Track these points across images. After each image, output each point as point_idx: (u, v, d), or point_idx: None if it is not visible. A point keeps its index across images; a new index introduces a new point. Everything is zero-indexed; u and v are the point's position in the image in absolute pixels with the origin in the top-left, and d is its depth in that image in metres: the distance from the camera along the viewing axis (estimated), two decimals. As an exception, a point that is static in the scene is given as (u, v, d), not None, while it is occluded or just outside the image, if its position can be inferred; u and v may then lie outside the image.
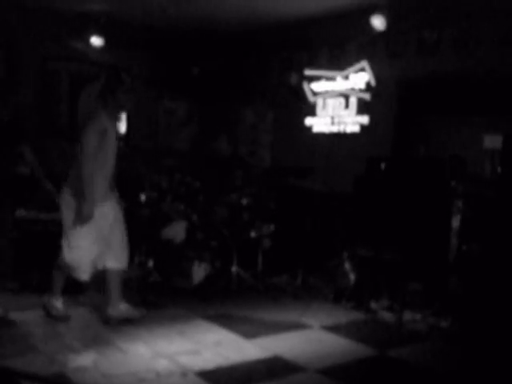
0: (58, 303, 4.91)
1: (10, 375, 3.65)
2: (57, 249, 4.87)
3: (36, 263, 5.86)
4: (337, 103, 7.25)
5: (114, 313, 4.86)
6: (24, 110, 7.64)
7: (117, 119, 4.91)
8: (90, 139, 4.57)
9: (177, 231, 6.08)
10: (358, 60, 6.99)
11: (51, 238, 5.93)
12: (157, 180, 6.59)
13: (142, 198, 6.52)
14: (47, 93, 7.88)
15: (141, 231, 6.55)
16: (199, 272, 5.77)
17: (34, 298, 5.47)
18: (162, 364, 4.10)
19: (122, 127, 8.44)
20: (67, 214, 4.69)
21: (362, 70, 6.92)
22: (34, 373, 3.75)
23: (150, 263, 6.16)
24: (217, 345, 4.51)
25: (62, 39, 7.75)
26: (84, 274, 4.77)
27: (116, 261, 4.83)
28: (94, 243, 4.68)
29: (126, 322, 4.93)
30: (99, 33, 7.64)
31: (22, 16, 7.41)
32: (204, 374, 3.96)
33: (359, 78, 6.95)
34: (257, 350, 4.46)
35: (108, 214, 4.71)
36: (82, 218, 4.56)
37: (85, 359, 4.13)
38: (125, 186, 7.57)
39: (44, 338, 4.51)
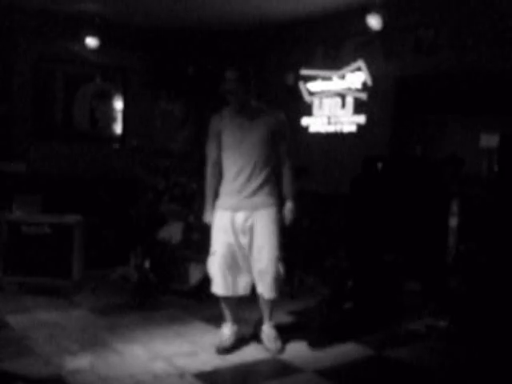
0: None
1: (6, 378, 3.64)
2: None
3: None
4: (333, 103, 7.23)
5: None
6: (18, 110, 7.62)
7: (240, 116, 4.44)
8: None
9: (173, 232, 6.06)
10: (354, 59, 6.97)
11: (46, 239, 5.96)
12: (153, 181, 6.57)
13: (139, 198, 6.51)
14: (42, 93, 7.84)
15: (137, 232, 6.54)
16: (196, 273, 5.75)
17: (30, 301, 5.47)
18: (160, 366, 4.09)
19: (118, 128, 8.43)
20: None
21: (359, 69, 6.90)
22: (30, 375, 3.74)
23: (147, 264, 6.13)
24: (214, 346, 4.49)
25: (57, 40, 7.71)
26: (215, 287, 4.38)
27: None
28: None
29: (122, 324, 4.92)
30: (94, 33, 7.60)
31: (16, 17, 7.38)
32: (201, 376, 3.95)
33: (356, 78, 6.93)
34: (254, 352, 4.45)
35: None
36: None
37: (81, 361, 4.11)
38: (121, 188, 7.60)
39: (40, 340, 4.49)
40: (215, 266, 4.30)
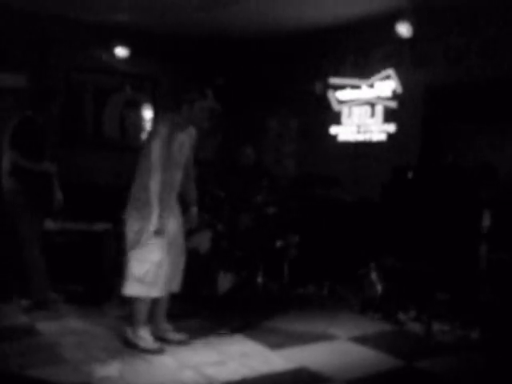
0: (146, 334, 4.58)
1: (35, 385, 3.66)
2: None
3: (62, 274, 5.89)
4: (362, 111, 7.19)
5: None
6: (50, 120, 7.71)
7: (188, 131, 4.61)
8: (155, 148, 4.45)
9: (202, 241, 6.05)
10: (383, 68, 6.93)
11: (76, 248, 6.00)
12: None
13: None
14: (72, 103, 7.93)
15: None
16: (224, 282, 5.73)
17: (60, 309, 5.49)
18: (188, 375, 4.07)
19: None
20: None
21: (388, 77, 6.86)
22: (60, 382, 3.74)
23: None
24: (242, 356, 4.47)
25: (87, 50, 7.81)
26: (155, 291, 4.47)
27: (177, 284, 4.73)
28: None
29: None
30: (124, 43, 7.69)
31: (47, 27, 7.49)
32: (230, 385, 3.92)
33: (385, 86, 6.89)
34: (283, 361, 4.41)
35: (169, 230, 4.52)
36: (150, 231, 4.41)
37: (110, 369, 4.11)
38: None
39: (70, 347, 4.51)
40: (161, 272, 4.47)
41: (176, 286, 4.69)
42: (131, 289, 4.45)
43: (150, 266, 4.39)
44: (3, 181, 5.42)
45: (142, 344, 4.49)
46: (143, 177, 4.48)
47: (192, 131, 4.68)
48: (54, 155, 5.55)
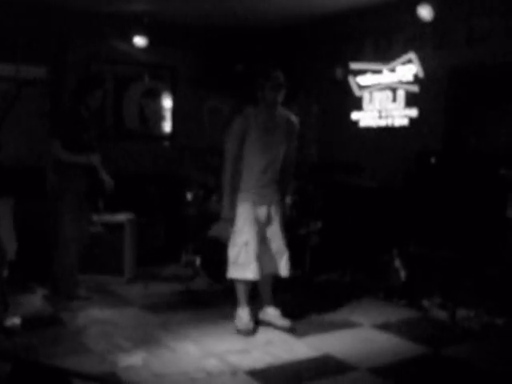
0: (243, 314, 4.82)
1: (61, 374, 3.67)
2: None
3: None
4: (384, 96, 7.10)
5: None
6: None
7: (279, 117, 4.77)
8: (227, 141, 4.71)
9: (223, 230, 6.03)
10: (405, 51, 6.83)
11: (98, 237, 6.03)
12: (203, 179, 6.58)
13: (189, 197, 6.52)
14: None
15: (188, 230, 6.56)
16: (247, 270, 5.72)
17: (82, 300, 5.52)
18: (212, 363, 4.08)
19: (167, 127, 8.47)
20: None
21: (410, 61, 6.76)
22: (86, 372, 3.77)
23: (198, 262, 6.15)
24: (267, 344, 4.46)
25: (106, 40, 7.80)
26: (249, 273, 4.67)
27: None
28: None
29: (174, 321, 4.93)
30: (143, 33, 7.66)
31: (67, 18, 7.49)
32: (254, 373, 3.92)
33: (407, 70, 6.79)
34: (307, 349, 4.40)
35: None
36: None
37: (135, 358, 4.13)
38: (171, 186, 7.64)
39: (94, 337, 4.54)
40: (249, 254, 4.63)
41: (282, 270, 4.83)
42: (230, 272, 4.76)
43: (240, 248, 4.66)
44: (48, 175, 5.41)
45: (237, 323, 4.75)
46: None
47: (287, 117, 4.83)
48: (97, 146, 5.48)
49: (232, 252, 4.73)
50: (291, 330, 4.74)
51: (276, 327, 4.81)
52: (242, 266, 4.66)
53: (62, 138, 5.19)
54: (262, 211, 4.73)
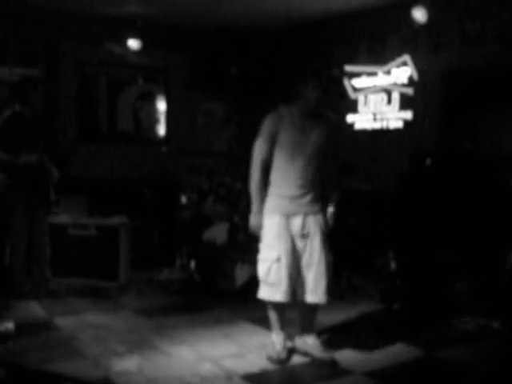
0: (276, 339, 4.28)
1: (55, 379, 3.65)
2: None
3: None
4: (379, 99, 7.10)
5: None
6: (63, 113, 7.70)
7: (317, 119, 4.19)
8: (255, 145, 4.18)
9: (218, 233, 6.03)
10: (399, 54, 6.83)
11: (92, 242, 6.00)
12: (197, 182, 6.56)
13: (183, 199, 6.50)
14: (85, 97, 7.91)
15: (182, 233, 6.53)
16: (242, 274, 5.70)
17: (77, 303, 5.50)
18: (207, 367, 4.05)
19: (161, 129, 8.45)
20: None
21: (404, 64, 6.76)
22: (79, 377, 3.74)
23: (192, 265, 6.13)
24: (262, 348, 4.42)
25: (99, 43, 7.77)
26: (279, 295, 4.06)
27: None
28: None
29: (169, 326, 4.90)
30: (136, 35, 7.64)
31: (59, 21, 7.46)
32: (249, 378, 3.89)
33: (401, 73, 6.79)
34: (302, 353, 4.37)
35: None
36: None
37: (129, 363, 4.10)
38: (165, 189, 7.61)
39: (88, 341, 4.50)
40: (281, 271, 4.04)
41: (317, 297, 4.14)
42: (260, 291, 4.17)
43: (271, 264, 4.06)
44: None
45: (269, 350, 4.24)
46: None
47: (328, 117, 4.28)
48: (37, 146, 5.49)
49: (262, 268, 4.13)
50: (333, 365, 4.13)
51: (315, 359, 4.21)
52: (272, 285, 4.06)
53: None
54: (296, 223, 4.11)
